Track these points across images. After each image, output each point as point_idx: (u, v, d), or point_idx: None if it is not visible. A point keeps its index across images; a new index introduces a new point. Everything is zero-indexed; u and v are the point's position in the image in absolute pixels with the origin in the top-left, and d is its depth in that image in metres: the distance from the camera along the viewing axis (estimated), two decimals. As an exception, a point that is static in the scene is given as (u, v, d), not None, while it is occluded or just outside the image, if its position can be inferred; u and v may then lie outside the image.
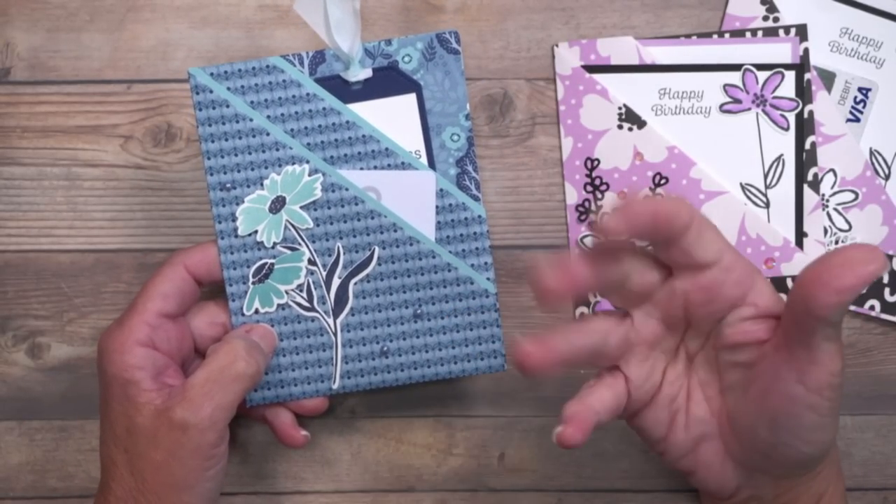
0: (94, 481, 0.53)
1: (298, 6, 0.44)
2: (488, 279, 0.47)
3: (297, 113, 0.46)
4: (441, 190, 0.47)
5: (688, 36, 0.52)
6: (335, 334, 0.47)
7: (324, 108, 0.46)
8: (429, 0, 0.52)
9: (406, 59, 0.46)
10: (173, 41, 0.52)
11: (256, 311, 0.47)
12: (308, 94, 0.46)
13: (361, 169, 0.46)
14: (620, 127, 0.52)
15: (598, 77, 0.52)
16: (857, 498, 0.53)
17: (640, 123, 0.52)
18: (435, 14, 0.52)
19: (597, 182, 0.52)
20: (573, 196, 0.53)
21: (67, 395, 0.53)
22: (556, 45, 0.52)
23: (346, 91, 0.46)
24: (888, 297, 0.52)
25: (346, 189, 0.46)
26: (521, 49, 0.53)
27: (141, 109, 0.52)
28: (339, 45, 0.45)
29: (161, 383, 0.44)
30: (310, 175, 0.46)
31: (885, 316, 0.53)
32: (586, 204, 0.53)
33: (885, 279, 0.52)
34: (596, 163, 0.52)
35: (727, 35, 0.52)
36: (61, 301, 0.52)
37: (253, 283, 0.47)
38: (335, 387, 0.48)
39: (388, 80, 0.46)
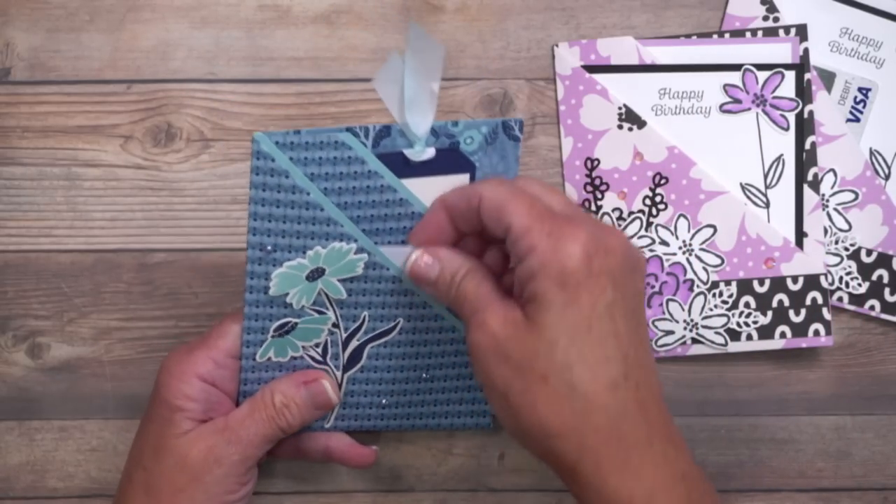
0: (94, 481, 0.53)
1: (376, 82, 0.43)
2: None
3: (354, 188, 0.44)
4: None
5: (688, 36, 0.52)
6: (340, 385, 0.48)
7: (381, 186, 0.45)
8: (429, 0, 0.52)
9: (468, 140, 0.45)
10: (173, 41, 0.52)
11: (269, 359, 0.47)
12: (369, 172, 0.44)
13: (404, 243, 0.46)
14: (620, 127, 0.52)
15: (598, 77, 0.52)
16: (857, 498, 0.53)
17: (640, 123, 0.52)
18: (435, 14, 0.52)
19: (597, 182, 0.52)
20: (573, 196, 0.53)
21: (67, 395, 0.53)
22: (556, 45, 0.52)
23: (406, 166, 0.45)
24: (888, 297, 0.52)
25: (387, 269, 0.46)
26: (521, 49, 0.53)
27: (141, 109, 0.52)
28: (410, 124, 0.44)
29: (208, 416, 0.45)
30: (356, 254, 0.45)
31: (885, 316, 0.53)
32: (586, 204, 0.52)
33: (886, 279, 0.52)
34: (596, 163, 0.52)
35: (727, 35, 0.52)
36: (61, 301, 0.52)
37: (272, 336, 0.46)
38: (328, 425, 0.48)
39: (447, 160, 0.46)
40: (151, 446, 0.44)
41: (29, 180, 0.52)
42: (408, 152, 0.45)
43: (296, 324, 0.46)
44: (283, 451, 0.48)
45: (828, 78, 0.52)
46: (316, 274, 0.45)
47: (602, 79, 0.52)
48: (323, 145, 0.43)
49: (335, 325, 0.46)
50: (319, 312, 0.46)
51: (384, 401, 0.48)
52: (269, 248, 0.44)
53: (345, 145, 0.44)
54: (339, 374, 0.47)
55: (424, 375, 0.48)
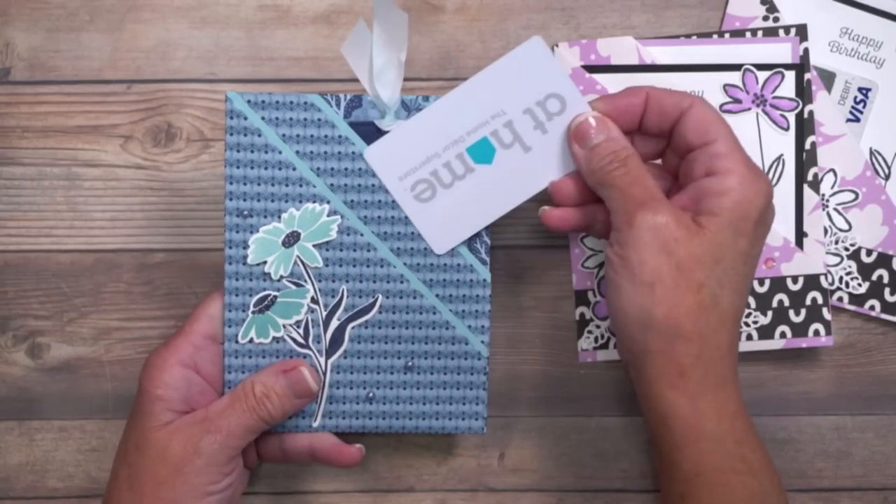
0: (93, 481, 0.53)
1: (345, 49, 0.44)
2: (482, 342, 0.48)
3: (325, 153, 0.46)
4: (452, 249, 0.47)
5: (688, 36, 0.52)
6: (324, 374, 0.47)
7: (352, 153, 0.46)
8: (429, 0, 0.52)
9: None
10: (173, 41, 0.52)
11: (251, 341, 0.47)
12: (340, 137, 0.46)
13: (379, 217, 0.46)
14: (620, 127, 0.52)
15: (598, 77, 0.52)
16: (857, 498, 0.53)
17: (640, 123, 0.52)
18: (435, 14, 0.52)
19: (597, 182, 0.52)
20: (573, 196, 0.52)
21: (67, 395, 0.53)
22: (556, 45, 0.52)
23: (377, 138, 0.46)
24: (888, 297, 0.52)
25: (361, 234, 0.46)
26: (521, 49, 0.53)
27: (141, 109, 0.52)
28: (379, 93, 0.45)
29: (189, 407, 0.45)
30: (328, 216, 0.46)
31: (885, 316, 0.53)
32: (586, 204, 0.52)
33: (886, 279, 0.52)
34: (596, 163, 0.52)
35: (727, 35, 0.52)
36: (61, 301, 0.52)
37: (253, 312, 0.47)
38: (315, 425, 0.48)
39: None
40: (134, 442, 0.44)
41: (29, 180, 0.52)
42: (379, 122, 0.46)
43: (275, 297, 0.46)
44: (268, 453, 0.48)
45: (828, 78, 0.52)
46: (291, 239, 0.46)
47: (602, 79, 0.52)
48: (293, 105, 0.45)
49: (314, 301, 0.47)
50: (297, 285, 0.46)
51: (370, 393, 0.48)
52: (245, 212, 0.46)
53: (314, 107, 0.45)
54: (322, 359, 0.47)
55: (409, 364, 0.48)
